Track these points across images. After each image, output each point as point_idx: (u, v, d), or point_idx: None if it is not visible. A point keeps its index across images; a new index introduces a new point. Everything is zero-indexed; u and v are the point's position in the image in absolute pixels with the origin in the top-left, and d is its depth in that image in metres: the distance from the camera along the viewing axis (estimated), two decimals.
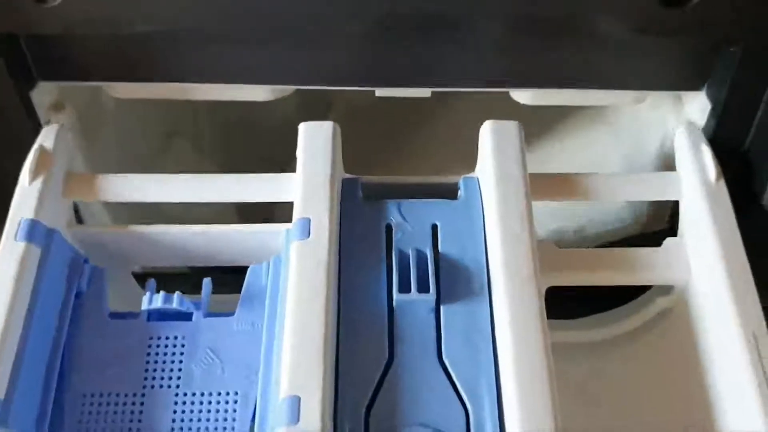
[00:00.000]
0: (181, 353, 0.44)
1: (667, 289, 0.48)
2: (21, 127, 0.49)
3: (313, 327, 0.40)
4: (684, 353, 0.46)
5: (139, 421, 0.42)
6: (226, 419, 0.42)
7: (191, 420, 0.42)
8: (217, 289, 0.46)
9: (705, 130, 0.49)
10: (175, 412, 0.43)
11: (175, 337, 0.45)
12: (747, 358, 0.40)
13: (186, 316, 0.45)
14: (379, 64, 0.49)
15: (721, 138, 0.48)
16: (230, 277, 0.47)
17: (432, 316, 0.43)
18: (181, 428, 0.42)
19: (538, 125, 0.66)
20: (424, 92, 0.51)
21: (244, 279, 0.46)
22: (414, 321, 0.43)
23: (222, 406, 0.43)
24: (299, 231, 0.44)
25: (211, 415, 0.42)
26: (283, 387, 0.39)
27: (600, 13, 0.44)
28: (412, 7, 0.44)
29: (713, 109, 0.48)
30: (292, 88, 0.51)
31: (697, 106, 0.49)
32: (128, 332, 0.45)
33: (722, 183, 0.46)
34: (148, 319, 0.45)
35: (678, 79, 0.49)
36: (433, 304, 0.43)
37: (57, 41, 0.47)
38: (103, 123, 0.57)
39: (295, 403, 0.38)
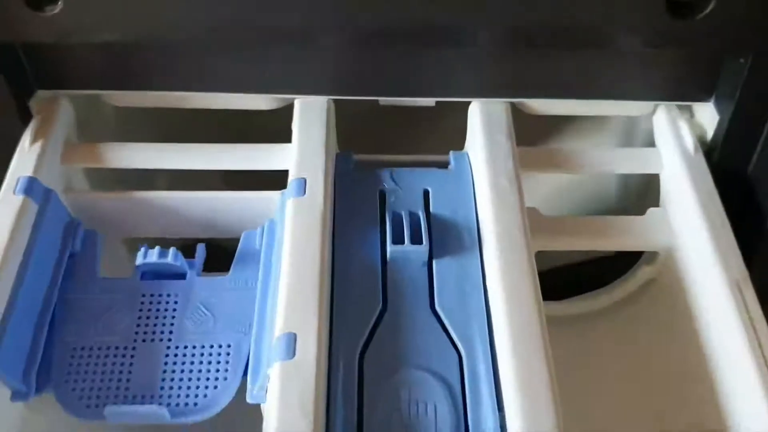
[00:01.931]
0: (174, 309, 0.44)
1: (651, 259, 0.49)
2: (19, 135, 0.48)
3: (309, 269, 0.41)
4: (671, 321, 0.46)
5: (129, 372, 0.42)
6: (218, 370, 0.42)
7: (182, 371, 0.42)
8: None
9: (714, 139, 0.49)
10: (166, 363, 0.42)
11: (168, 295, 0.45)
12: (732, 305, 0.41)
13: (179, 277, 0.46)
14: (382, 75, 0.50)
15: (731, 148, 0.48)
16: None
17: (424, 269, 0.44)
18: (173, 379, 0.42)
19: (544, 128, 0.65)
20: (429, 101, 0.51)
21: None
22: (407, 273, 0.43)
23: (214, 358, 0.42)
24: (295, 190, 0.45)
25: (203, 366, 0.42)
26: (279, 325, 0.39)
27: (608, 25, 0.44)
28: (414, 19, 0.44)
29: (721, 120, 0.48)
30: (292, 97, 0.51)
31: (706, 116, 0.49)
32: (120, 289, 0.45)
33: (700, 155, 0.48)
34: (142, 279, 0.46)
35: (686, 90, 0.49)
36: (425, 257, 0.44)
37: (54, 50, 0.48)
38: (103, 128, 0.58)
39: (291, 339, 0.38)
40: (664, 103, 0.50)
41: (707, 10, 0.42)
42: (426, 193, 0.47)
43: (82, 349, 0.43)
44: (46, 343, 0.43)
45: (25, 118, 0.49)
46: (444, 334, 0.41)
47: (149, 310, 0.44)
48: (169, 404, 0.40)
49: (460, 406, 0.38)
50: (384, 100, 0.51)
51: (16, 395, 0.41)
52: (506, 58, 0.48)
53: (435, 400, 0.39)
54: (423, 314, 0.42)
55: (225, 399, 0.41)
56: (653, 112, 0.51)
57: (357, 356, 0.40)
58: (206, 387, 0.41)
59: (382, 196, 0.47)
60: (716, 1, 0.42)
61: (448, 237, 0.45)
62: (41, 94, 0.50)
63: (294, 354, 0.38)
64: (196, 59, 0.49)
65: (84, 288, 0.45)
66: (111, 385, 0.42)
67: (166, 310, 0.44)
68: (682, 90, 0.49)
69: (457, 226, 0.45)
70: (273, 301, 0.42)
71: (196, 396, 0.41)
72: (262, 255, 0.45)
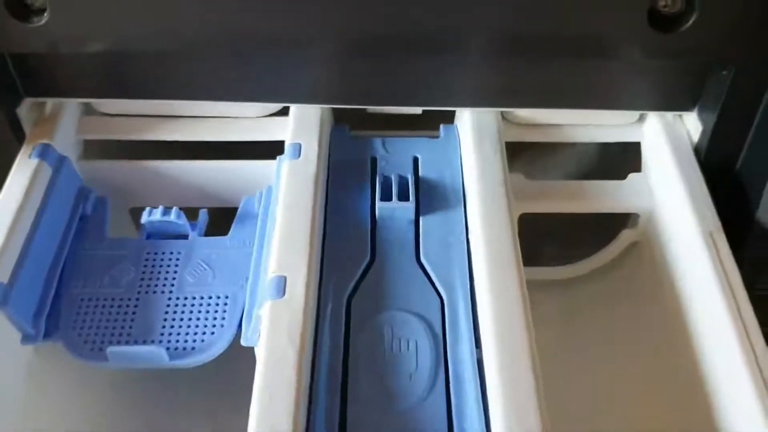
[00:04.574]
0: (176, 265, 0.47)
1: (633, 223, 0.51)
2: (6, 142, 0.49)
3: (301, 219, 0.43)
4: (654, 280, 0.48)
5: (132, 320, 0.45)
6: (215, 318, 0.44)
7: (182, 319, 0.45)
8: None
9: (698, 148, 0.49)
10: (166, 312, 0.45)
11: (171, 252, 0.48)
12: (706, 254, 0.42)
13: (182, 237, 0.49)
14: (370, 84, 0.50)
15: (714, 156, 0.49)
16: None
17: (411, 226, 0.46)
18: (172, 326, 0.44)
19: None
20: (415, 110, 0.52)
21: None
22: (395, 229, 0.46)
23: (212, 308, 0.45)
24: (290, 153, 0.48)
25: (201, 315, 0.45)
26: (271, 268, 0.42)
27: (591, 36, 0.44)
28: (400, 29, 0.44)
29: (705, 129, 0.48)
30: (281, 105, 0.51)
31: (690, 125, 0.50)
32: (126, 247, 0.48)
33: (680, 123, 0.50)
34: (147, 239, 0.49)
35: (669, 100, 0.50)
36: (412, 214, 0.46)
37: (43, 59, 0.48)
38: None
39: (282, 281, 0.41)
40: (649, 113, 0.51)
41: (689, 24, 0.43)
42: (415, 159, 0.50)
43: (89, 299, 0.45)
44: (55, 294, 0.45)
45: (14, 125, 0.49)
46: (428, 282, 0.43)
47: (152, 265, 0.47)
48: (168, 347, 0.43)
49: (441, 344, 0.40)
50: (372, 108, 0.52)
51: (26, 338, 0.43)
52: (494, 68, 0.48)
53: (417, 337, 0.41)
54: (408, 265, 0.44)
55: (221, 345, 0.43)
56: (640, 120, 0.52)
57: (344, 300, 0.42)
58: (203, 333, 0.44)
59: (374, 161, 0.50)
60: (697, 14, 0.42)
61: (435, 197, 0.47)
62: (28, 101, 0.50)
63: (284, 294, 0.40)
64: (185, 68, 0.49)
65: (93, 245, 0.48)
66: (114, 330, 0.44)
67: (168, 265, 0.47)
68: (666, 99, 0.50)
69: (443, 187, 0.48)
70: (267, 257, 0.44)
71: (194, 341, 0.44)
72: (260, 217, 0.48)
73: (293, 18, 0.44)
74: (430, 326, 0.41)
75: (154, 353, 0.42)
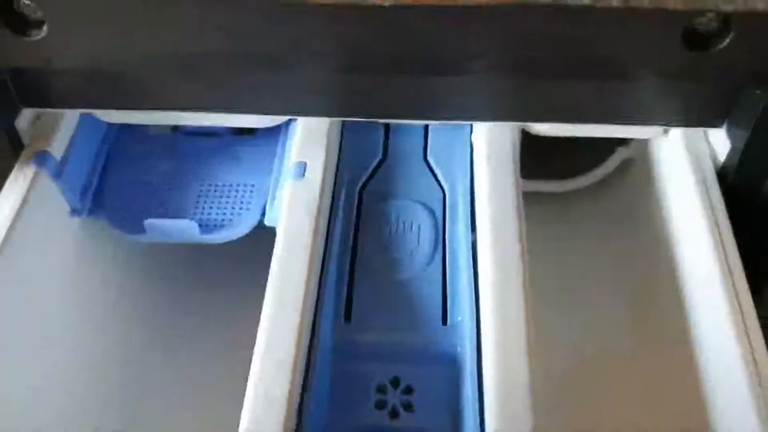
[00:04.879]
0: (208, 157, 0.53)
1: (627, 141, 0.55)
2: (4, 154, 0.47)
3: (321, 124, 0.49)
4: (647, 202, 0.52)
5: (168, 201, 0.50)
6: (242, 202, 0.50)
7: (212, 203, 0.50)
8: None
9: (726, 166, 0.48)
10: (199, 196, 0.50)
11: (204, 148, 0.53)
12: (690, 168, 0.47)
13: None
14: (380, 96, 0.48)
15: (741, 175, 0.47)
16: None
17: (421, 130, 0.51)
18: (204, 207, 0.50)
19: None
20: (432, 123, 0.51)
21: None
22: (406, 137, 0.51)
23: (240, 194, 0.50)
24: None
25: (230, 199, 0.50)
26: (293, 156, 0.47)
27: (623, 57, 0.43)
28: (411, 51, 0.44)
29: (734, 147, 0.47)
30: (287, 117, 0.50)
31: (718, 142, 0.48)
32: (165, 142, 0.54)
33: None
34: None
35: (697, 116, 0.48)
36: (422, 128, 0.51)
37: (40, 71, 0.46)
38: None
39: (302, 165, 0.46)
40: (675, 128, 0.50)
41: (725, 43, 0.42)
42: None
43: (130, 183, 0.51)
44: (99, 178, 0.51)
45: (12, 136, 0.48)
46: (432, 177, 0.49)
47: (187, 158, 0.53)
48: (199, 224, 0.48)
49: (440, 227, 0.46)
50: (383, 122, 0.51)
51: (74, 211, 0.49)
52: (513, 82, 0.47)
53: (419, 221, 0.46)
54: (416, 162, 0.49)
55: (247, 225, 0.48)
56: (665, 135, 0.51)
57: (357, 189, 0.48)
58: (231, 214, 0.49)
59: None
60: (734, 33, 0.41)
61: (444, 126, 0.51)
62: (26, 112, 0.49)
63: (304, 175, 0.45)
64: (185, 79, 0.47)
65: (134, 138, 0.53)
66: (152, 208, 0.50)
67: (201, 158, 0.53)
68: (693, 115, 0.48)
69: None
70: (290, 151, 0.49)
71: (222, 220, 0.49)
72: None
73: (293, 35, 0.43)
74: (431, 213, 0.46)
75: (187, 226, 0.47)
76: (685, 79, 0.45)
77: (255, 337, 0.39)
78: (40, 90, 0.48)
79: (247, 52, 0.44)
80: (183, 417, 0.48)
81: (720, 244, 0.43)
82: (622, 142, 0.56)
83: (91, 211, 0.50)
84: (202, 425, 0.47)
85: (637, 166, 0.55)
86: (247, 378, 0.38)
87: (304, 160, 0.46)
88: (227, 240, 0.48)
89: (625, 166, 0.56)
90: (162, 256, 0.54)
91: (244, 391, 0.37)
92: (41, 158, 0.46)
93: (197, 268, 0.54)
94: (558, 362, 0.46)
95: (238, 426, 0.36)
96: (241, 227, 0.48)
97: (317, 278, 0.42)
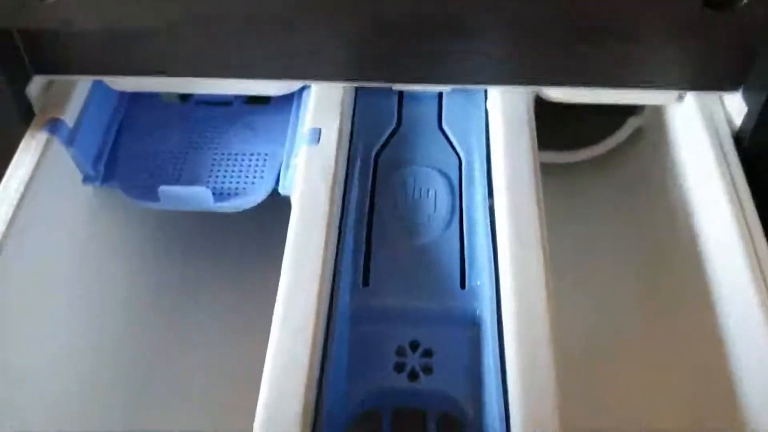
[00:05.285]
0: (221, 127, 0.52)
1: (639, 110, 0.55)
2: (15, 121, 0.47)
3: (334, 92, 0.48)
4: (661, 171, 0.52)
5: (182, 169, 0.50)
6: (256, 171, 0.50)
7: (226, 171, 0.50)
8: None
9: (741, 131, 0.47)
10: (212, 165, 0.50)
11: (217, 117, 0.53)
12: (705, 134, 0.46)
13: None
14: (396, 62, 0.47)
15: (757, 141, 0.46)
16: None
17: (435, 100, 0.51)
18: (217, 175, 0.49)
19: None
20: (444, 88, 0.50)
21: None
22: (419, 105, 0.50)
23: (254, 163, 0.50)
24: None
25: (244, 167, 0.50)
26: (307, 122, 0.46)
27: (641, 14, 0.43)
28: (430, 8, 0.43)
29: (750, 111, 0.46)
30: (302, 82, 0.49)
31: (734, 106, 0.48)
32: (177, 111, 0.53)
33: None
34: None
35: (713, 80, 0.47)
36: (436, 93, 0.51)
37: (53, 35, 0.46)
38: None
39: (317, 131, 0.46)
40: (690, 93, 0.49)
41: (744, 0, 0.41)
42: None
43: (143, 152, 0.51)
44: (112, 147, 0.51)
45: (23, 104, 0.47)
46: (448, 144, 0.48)
47: (200, 127, 0.52)
48: (213, 192, 0.48)
49: (457, 193, 0.45)
50: (397, 87, 0.50)
51: (86, 179, 0.49)
52: (527, 46, 0.46)
53: (436, 187, 0.46)
54: (431, 130, 0.49)
55: (261, 193, 0.48)
56: (679, 101, 0.50)
57: (372, 155, 0.47)
58: (245, 182, 0.49)
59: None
60: None
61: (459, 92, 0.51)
62: (38, 79, 0.48)
63: (318, 141, 0.45)
64: (200, 44, 0.47)
65: (146, 107, 0.53)
66: (165, 176, 0.49)
67: (214, 127, 0.52)
68: (708, 79, 0.48)
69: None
70: (304, 120, 0.49)
71: (236, 188, 0.49)
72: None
73: None
74: (448, 179, 0.46)
75: (201, 194, 0.47)
76: (703, 39, 0.45)
77: (271, 306, 0.39)
78: (53, 56, 0.47)
79: (261, 13, 0.44)
80: (197, 386, 0.48)
81: (740, 208, 0.43)
82: (634, 111, 0.56)
83: (104, 179, 0.49)
84: (219, 395, 0.47)
85: (649, 135, 0.55)
86: (265, 348, 0.38)
87: (318, 126, 0.46)
88: (241, 208, 0.48)
89: (637, 135, 0.56)
90: (175, 226, 0.54)
91: (263, 360, 0.37)
92: (54, 125, 0.46)
93: (210, 237, 0.54)
94: (572, 333, 0.46)
95: (257, 396, 0.36)
96: (255, 195, 0.48)
97: (335, 244, 0.42)
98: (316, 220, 0.42)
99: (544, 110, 0.49)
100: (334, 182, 0.43)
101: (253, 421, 0.35)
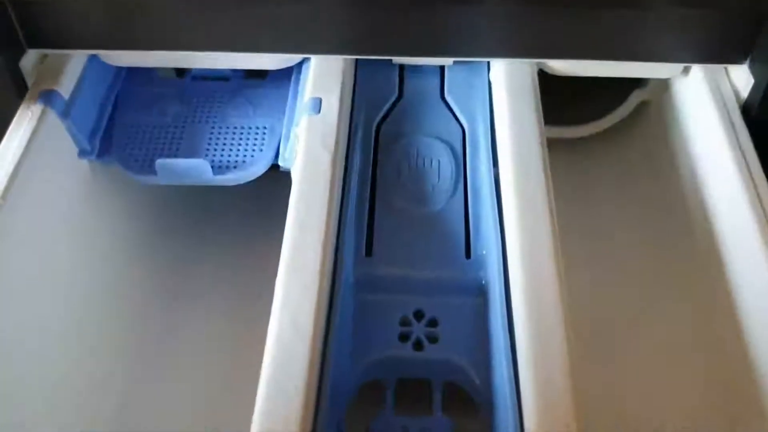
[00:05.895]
0: (219, 101, 0.51)
1: (643, 83, 0.54)
2: (8, 95, 0.46)
3: (334, 64, 0.47)
4: (666, 144, 0.51)
5: (179, 143, 0.49)
6: (255, 144, 0.49)
7: (224, 145, 0.49)
8: None
9: (747, 103, 0.46)
10: (210, 139, 0.49)
11: (215, 91, 0.52)
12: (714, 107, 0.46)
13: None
14: (398, 34, 0.46)
15: (765, 112, 0.46)
16: None
17: (437, 72, 0.50)
18: (216, 148, 0.48)
19: None
20: (446, 61, 0.49)
21: None
22: (421, 77, 0.50)
23: (252, 136, 0.49)
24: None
25: (242, 141, 0.49)
26: (308, 92, 0.46)
27: None
28: None
29: (757, 83, 0.46)
30: (302, 56, 0.48)
31: (740, 78, 0.47)
32: (173, 85, 0.52)
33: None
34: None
35: (720, 52, 0.47)
36: (437, 69, 0.50)
37: (47, 7, 0.45)
38: None
39: (318, 101, 0.45)
40: (695, 65, 0.48)
41: None
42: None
43: (139, 126, 0.50)
44: (108, 122, 0.50)
45: (16, 78, 0.46)
46: (451, 114, 0.47)
47: (197, 101, 0.51)
48: (212, 164, 0.47)
49: (461, 162, 0.45)
50: (398, 60, 0.49)
51: (82, 152, 0.48)
52: (530, 16, 0.45)
53: (439, 157, 0.45)
54: (433, 101, 0.48)
55: (260, 166, 0.47)
56: (684, 74, 0.49)
57: (374, 125, 0.46)
58: (245, 155, 0.48)
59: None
60: None
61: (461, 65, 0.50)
62: (32, 53, 0.47)
63: (319, 110, 0.44)
64: (199, 16, 0.45)
65: (142, 82, 0.52)
66: (163, 150, 0.48)
67: (212, 101, 0.51)
68: (714, 51, 0.47)
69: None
70: (303, 93, 0.48)
71: (236, 161, 0.48)
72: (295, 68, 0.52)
73: None
74: (452, 148, 0.45)
75: (200, 166, 0.46)
76: (710, 9, 0.44)
77: (272, 280, 0.38)
78: (47, 29, 0.46)
79: None
80: (199, 357, 0.47)
81: (750, 178, 0.42)
82: (638, 85, 0.55)
83: (100, 153, 0.48)
84: (220, 365, 0.46)
85: (653, 110, 0.54)
86: (267, 320, 0.37)
87: (319, 95, 0.45)
88: (241, 181, 0.47)
89: (643, 109, 0.55)
90: (173, 201, 0.53)
91: (264, 332, 0.36)
92: (48, 96, 0.45)
93: (208, 213, 0.53)
94: (578, 302, 0.45)
95: (258, 370, 0.35)
96: (254, 168, 0.47)
97: (337, 213, 0.41)
98: (318, 188, 0.41)
99: (545, 87, 0.48)
100: (336, 151, 0.42)
101: (255, 393, 0.34)
